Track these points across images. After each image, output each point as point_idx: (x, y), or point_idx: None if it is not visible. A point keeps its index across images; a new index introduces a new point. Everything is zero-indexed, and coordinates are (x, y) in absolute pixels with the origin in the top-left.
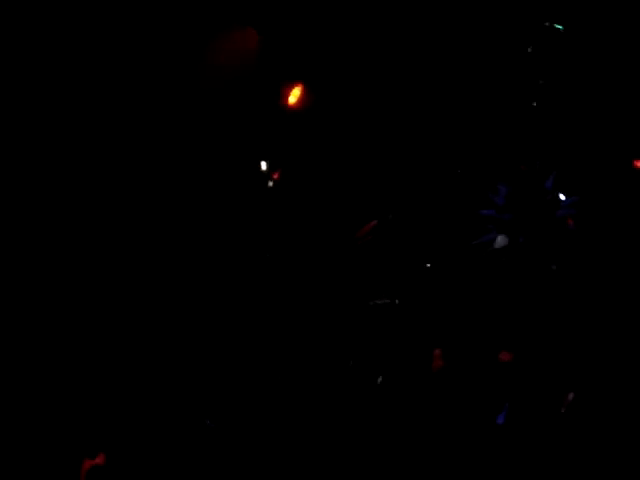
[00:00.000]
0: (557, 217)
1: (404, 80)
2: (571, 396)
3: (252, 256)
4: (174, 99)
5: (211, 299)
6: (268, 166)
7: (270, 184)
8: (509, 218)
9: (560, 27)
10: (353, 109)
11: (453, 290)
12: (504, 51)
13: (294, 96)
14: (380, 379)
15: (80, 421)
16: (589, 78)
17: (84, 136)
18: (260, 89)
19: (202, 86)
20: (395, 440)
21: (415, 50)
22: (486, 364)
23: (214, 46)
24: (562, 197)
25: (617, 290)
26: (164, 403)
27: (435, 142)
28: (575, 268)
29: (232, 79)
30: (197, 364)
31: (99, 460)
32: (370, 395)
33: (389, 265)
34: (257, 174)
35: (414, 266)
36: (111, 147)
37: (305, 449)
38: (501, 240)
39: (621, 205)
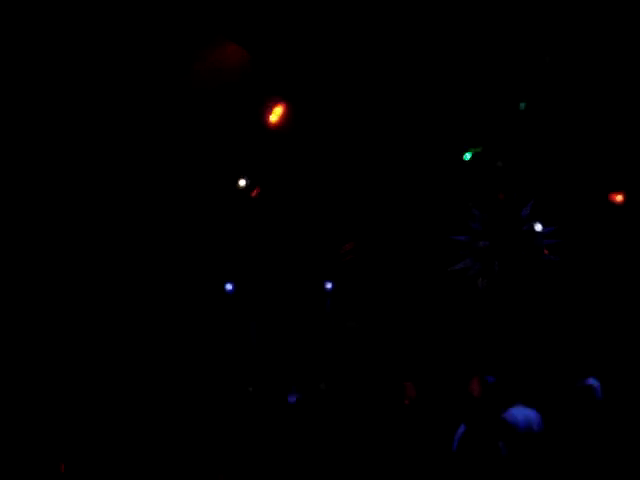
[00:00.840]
0: (533, 246)
1: (383, 108)
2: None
3: (228, 271)
4: (157, 114)
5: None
6: (247, 182)
7: (249, 200)
8: (485, 245)
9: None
10: (335, 130)
11: (427, 314)
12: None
13: (276, 114)
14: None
15: (79, 421)
16: (567, 111)
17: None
18: (243, 106)
19: (186, 101)
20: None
21: (395, 78)
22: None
23: (199, 63)
24: (539, 226)
25: (591, 317)
26: (161, 405)
27: (413, 168)
28: (549, 296)
29: (216, 94)
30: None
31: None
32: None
33: (363, 289)
34: (236, 190)
35: (388, 290)
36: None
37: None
38: (481, 276)
39: (597, 236)
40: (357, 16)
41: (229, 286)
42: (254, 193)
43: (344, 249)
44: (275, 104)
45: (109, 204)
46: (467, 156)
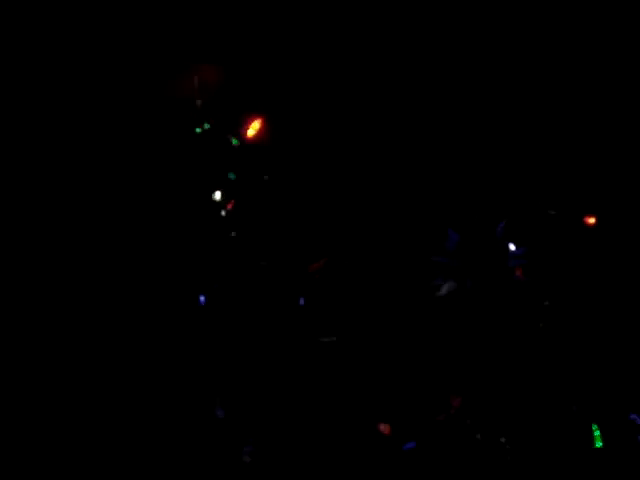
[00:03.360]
0: (506, 266)
1: (363, 122)
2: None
3: (200, 287)
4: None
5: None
6: (222, 197)
7: (223, 214)
8: (458, 265)
9: None
10: (312, 145)
11: (400, 334)
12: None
13: (253, 129)
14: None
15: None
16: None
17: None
18: (219, 121)
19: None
20: None
21: (372, 97)
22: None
23: (173, 78)
24: (512, 247)
25: (564, 341)
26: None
27: (389, 186)
28: (522, 318)
29: (190, 110)
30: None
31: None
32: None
33: (337, 304)
34: (211, 204)
35: (362, 307)
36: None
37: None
38: (448, 286)
39: (571, 257)
40: (334, 28)
41: (202, 298)
42: (230, 206)
43: (316, 265)
44: (252, 119)
45: (89, 214)
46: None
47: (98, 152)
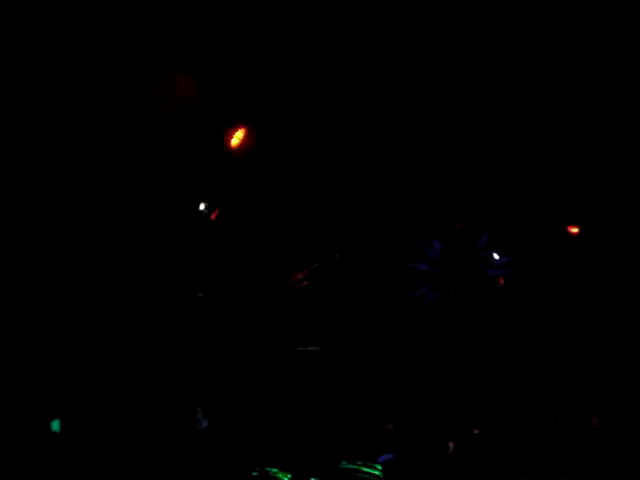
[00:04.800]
0: (488, 275)
1: (345, 131)
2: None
3: (185, 295)
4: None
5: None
6: (207, 206)
7: (207, 224)
8: (441, 274)
9: None
10: (296, 153)
11: (383, 341)
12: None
13: (237, 138)
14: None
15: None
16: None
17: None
18: (203, 131)
19: (144, 127)
20: None
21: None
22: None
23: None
24: (495, 256)
25: (545, 348)
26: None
27: (373, 194)
28: (503, 326)
29: (173, 121)
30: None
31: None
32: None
33: (321, 312)
34: (195, 214)
35: (346, 316)
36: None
37: None
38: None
39: (553, 267)
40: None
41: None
42: (213, 216)
43: (300, 274)
44: (236, 128)
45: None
46: None
47: (86, 161)
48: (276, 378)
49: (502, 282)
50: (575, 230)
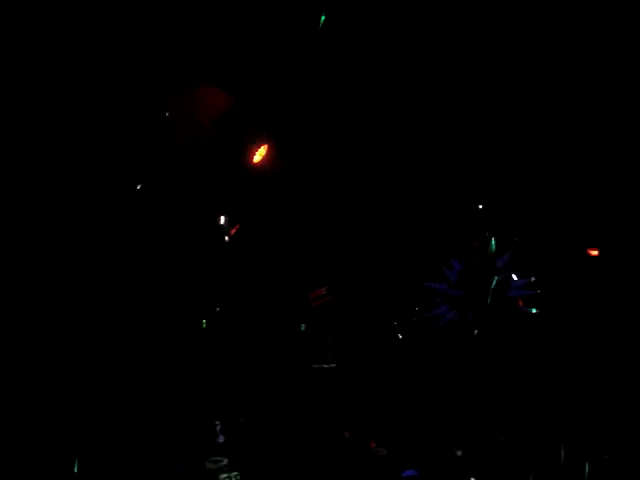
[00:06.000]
0: (508, 297)
1: (365, 151)
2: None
3: (202, 310)
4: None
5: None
6: (227, 221)
7: (227, 239)
8: (460, 294)
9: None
10: (318, 171)
11: (400, 360)
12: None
13: (260, 155)
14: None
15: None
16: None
17: None
18: (226, 146)
19: (170, 141)
20: None
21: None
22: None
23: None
24: (514, 277)
25: (564, 371)
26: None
27: (391, 214)
28: (523, 348)
29: (200, 135)
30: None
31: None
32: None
33: (337, 330)
34: (215, 228)
35: (362, 334)
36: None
37: None
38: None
39: (574, 289)
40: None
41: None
42: (233, 231)
43: (316, 293)
44: (258, 144)
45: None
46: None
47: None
48: (292, 394)
49: (521, 304)
50: (595, 252)
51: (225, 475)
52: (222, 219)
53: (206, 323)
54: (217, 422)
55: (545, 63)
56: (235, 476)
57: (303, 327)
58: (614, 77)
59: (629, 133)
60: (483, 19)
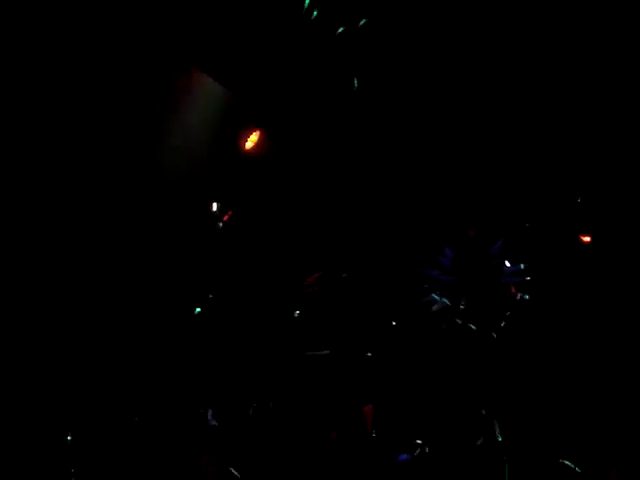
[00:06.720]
0: (500, 283)
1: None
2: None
3: (196, 297)
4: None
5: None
6: (219, 208)
7: (220, 225)
8: (453, 280)
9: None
10: (310, 157)
11: (392, 347)
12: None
13: (251, 141)
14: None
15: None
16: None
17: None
18: (219, 133)
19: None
20: None
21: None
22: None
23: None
24: (507, 264)
25: (557, 358)
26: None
27: (387, 200)
28: (515, 335)
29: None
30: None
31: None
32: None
33: (332, 317)
34: (208, 215)
35: (356, 321)
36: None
37: None
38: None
39: (567, 276)
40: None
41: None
42: (226, 218)
43: (311, 279)
44: (251, 131)
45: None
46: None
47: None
48: (285, 381)
49: (514, 291)
50: (587, 239)
51: None
52: (214, 206)
53: (199, 310)
54: (209, 409)
55: (541, 60)
56: None
57: (296, 314)
58: (610, 75)
59: (621, 123)
60: (483, 19)
